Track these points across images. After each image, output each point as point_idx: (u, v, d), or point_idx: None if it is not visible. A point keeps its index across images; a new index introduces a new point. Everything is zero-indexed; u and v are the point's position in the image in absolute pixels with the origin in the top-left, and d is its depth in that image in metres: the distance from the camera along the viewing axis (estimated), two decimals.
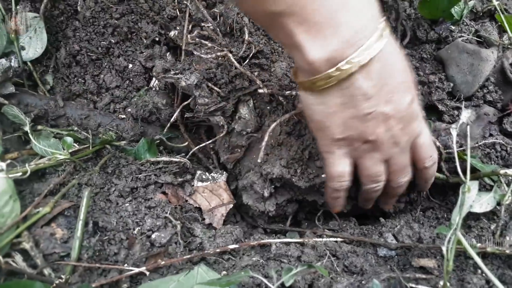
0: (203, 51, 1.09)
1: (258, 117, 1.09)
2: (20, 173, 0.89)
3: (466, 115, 0.84)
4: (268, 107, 1.07)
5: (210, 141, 1.17)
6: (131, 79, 1.27)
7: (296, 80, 0.84)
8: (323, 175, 0.98)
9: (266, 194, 1.05)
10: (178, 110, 1.13)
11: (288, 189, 1.08)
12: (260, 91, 1.01)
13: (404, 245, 0.95)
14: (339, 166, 0.87)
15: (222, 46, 1.09)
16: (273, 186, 1.06)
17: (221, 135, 1.11)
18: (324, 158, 0.89)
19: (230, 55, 1.02)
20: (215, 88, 1.06)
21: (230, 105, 1.07)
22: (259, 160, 0.97)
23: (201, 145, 1.18)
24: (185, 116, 1.15)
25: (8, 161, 0.87)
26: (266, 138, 0.96)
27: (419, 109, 0.86)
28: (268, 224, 1.16)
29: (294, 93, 1.00)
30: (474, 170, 0.98)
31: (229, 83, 1.07)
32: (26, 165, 0.92)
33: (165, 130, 1.18)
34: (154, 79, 1.29)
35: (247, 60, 1.07)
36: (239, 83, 1.05)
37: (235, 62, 1.02)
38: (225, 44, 1.11)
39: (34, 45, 1.17)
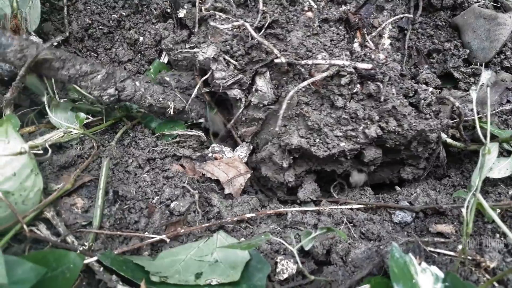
0: (218, 22, 1.07)
1: (275, 89, 1.08)
2: (41, 151, 0.89)
3: (486, 76, 0.82)
4: (285, 78, 1.06)
5: (236, 116, 1.14)
6: (142, 52, 1.27)
7: None
8: (341, 144, 0.98)
9: (285, 165, 1.04)
10: (200, 82, 1.10)
11: (307, 160, 1.08)
12: (277, 60, 1.00)
13: (427, 207, 0.95)
14: None
15: (237, 16, 1.08)
16: (291, 157, 1.05)
17: (240, 110, 1.10)
18: None
19: (247, 24, 1.00)
20: (232, 61, 1.05)
21: (247, 78, 1.06)
22: (277, 129, 0.97)
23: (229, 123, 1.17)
24: (203, 91, 1.14)
25: (29, 142, 0.86)
26: (284, 106, 0.95)
27: None
28: (287, 195, 1.16)
29: (310, 62, 0.99)
30: (492, 136, 0.97)
31: (246, 55, 1.05)
32: (44, 139, 0.92)
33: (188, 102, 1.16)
34: (164, 53, 1.28)
35: (263, 31, 1.05)
36: (256, 55, 1.04)
37: (252, 31, 1.00)
38: (239, 15, 1.09)
39: (32, 15, 1.15)
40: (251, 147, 1.17)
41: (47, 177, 0.92)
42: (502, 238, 0.85)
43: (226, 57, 1.05)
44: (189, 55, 1.14)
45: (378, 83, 0.98)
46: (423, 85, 1.05)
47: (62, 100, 1.04)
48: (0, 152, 0.79)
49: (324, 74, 0.97)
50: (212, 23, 1.05)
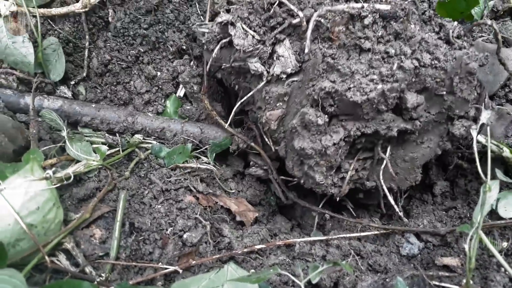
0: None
1: (296, 55, 1.04)
2: (65, 181, 0.94)
3: (486, 115, 0.85)
4: (305, 43, 1.02)
5: (250, 94, 1.11)
6: (160, 86, 1.33)
7: None
8: (378, 86, 0.91)
9: (320, 121, 0.96)
10: (216, 49, 1.08)
11: (343, 122, 0.99)
12: (295, 21, 0.99)
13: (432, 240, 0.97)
14: None
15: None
16: (326, 116, 0.97)
17: (262, 84, 1.06)
18: None
19: None
20: (250, 31, 1.03)
21: (267, 47, 1.03)
22: (306, 50, 0.93)
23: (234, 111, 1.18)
24: (222, 67, 1.12)
25: (53, 169, 0.92)
26: (311, 26, 0.92)
27: None
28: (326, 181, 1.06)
29: (328, 8, 0.98)
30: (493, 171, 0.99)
31: (263, 26, 1.06)
32: (67, 171, 0.98)
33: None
34: (181, 86, 1.34)
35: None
36: (273, 21, 1.04)
37: None
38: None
39: (58, 68, 1.25)
40: None
41: (67, 209, 0.97)
42: (507, 272, 0.86)
43: (244, 26, 1.03)
44: (206, 29, 1.12)
45: (402, 20, 0.95)
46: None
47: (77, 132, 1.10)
48: (26, 188, 0.84)
49: (346, 10, 0.93)
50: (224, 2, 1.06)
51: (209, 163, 1.22)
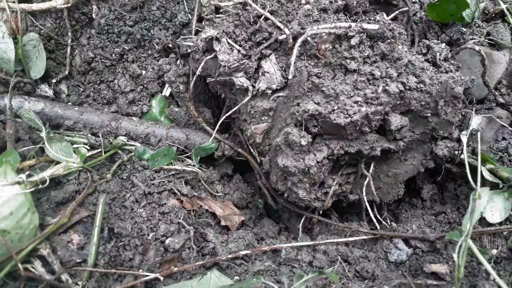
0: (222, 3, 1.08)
1: (282, 71, 1.03)
2: (40, 185, 0.91)
3: (476, 121, 0.83)
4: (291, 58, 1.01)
5: (232, 110, 1.11)
6: (145, 85, 1.29)
7: None
8: (362, 109, 0.92)
9: (303, 142, 0.95)
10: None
11: (327, 142, 0.99)
12: (282, 37, 0.98)
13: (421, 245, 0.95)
14: None
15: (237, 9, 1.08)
16: (310, 136, 0.97)
17: (247, 99, 1.05)
18: None
19: (250, 1, 0.99)
20: (236, 46, 1.02)
21: (253, 62, 1.02)
22: (290, 76, 0.92)
23: (213, 135, 1.16)
24: (207, 81, 1.11)
25: (27, 173, 0.88)
26: (296, 47, 0.91)
27: None
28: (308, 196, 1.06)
29: (315, 28, 0.97)
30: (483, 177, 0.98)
31: (249, 40, 1.04)
32: (44, 174, 0.94)
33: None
34: (166, 85, 1.31)
35: (262, 17, 1.04)
36: (259, 36, 1.02)
37: (257, 7, 0.98)
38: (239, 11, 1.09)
39: (39, 65, 1.21)
40: None
41: (45, 213, 0.93)
42: (496, 281, 0.84)
43: (230, 40, 1.02)
44: (191, 43, 1.10)
45: (389, 41, 0.94)
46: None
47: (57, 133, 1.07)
48: None
49: (332, 31, 0.92)
50: (209, 16, 1.05)
51: (194, 165, 1.18)
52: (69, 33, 1.25)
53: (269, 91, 1.02)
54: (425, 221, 1.10)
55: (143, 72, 1.29)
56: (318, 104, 0.94)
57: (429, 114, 0.97)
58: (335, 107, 0.93)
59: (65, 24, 1.25)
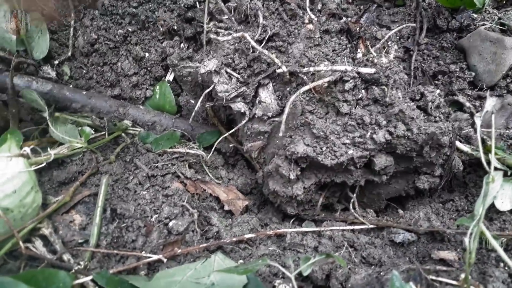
0: (219, 36, 1.08)
1: (278, 100, 1.06)
2: (44, 162, 0.89)
3: (491, 103, 0.81)
4: (288, 88, 1.04)
5: (233, 129, 1.15)
6: (149, 68, 1.27)
7: None
8: (349, 152, 0.96)
9: (292, 176, 1.01)
10: (202, 97, 1.10)
11: (315, 171, 1.04)
12: (279, 70, 0.99)
13: (429, 230, 0.93)
14: None
15: (238, 31, 1.08)
16: (299, 169, 1.02)
17: (244, 121, 1.08)
18: None
19: (246, 35, 1.00)
20: (234, 73, 1.04)
21: (250, 90, 1.05)
22: (280, 134, 0.94)
23: (222, 136, 1.17)
24: (206, 106, 1.14)
25: (31, 146, 0.86)
26: (286, 112, 0.92)
27: None
28: (296, 211, 1.13)
29: (312, 69, 0.98)
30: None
31: (248, 67, 1.05)
32: (50, 150, 0.92)
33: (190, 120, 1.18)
34: (170, 69, 1.29)
35: (264, 43, 1.05)
36: (257, 67, 1.04)
37: (252, 41, 1.00)
38: (240, 29, 1.10)
39: (41, 45, 1.18)
40: None
41: (47, 193, 0.92)
42: (506, 268, 0.83)
43: (228, 70, 1.05)
44: (191, 70, 1.14)
45: (383, 87, 0.96)
46: (430, 87, 1.03)
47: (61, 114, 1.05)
48: (2, 169, 0.79)
49: (327, 79, 0.94)
50: (212, 36, 1.06)
51: (198, 149, 1.16)
52: (72, 14, 1.23)
53: (265, 117, 1.05)
54: (432, 209, 1.08)
55: (147, 54, 1.27)
56: (308, 145, 0.98)
57: (414, 155, 1.01)
58: (324, 148, 0.98)
59: (68, 4, 1.22)
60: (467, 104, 1.13)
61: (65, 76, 1.26)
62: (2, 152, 0.83)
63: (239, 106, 1.06)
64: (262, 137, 1.09)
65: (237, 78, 1.05)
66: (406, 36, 1.28)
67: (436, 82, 1.26)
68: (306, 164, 1.02)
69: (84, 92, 1.20)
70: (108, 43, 1.25)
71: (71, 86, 1.23)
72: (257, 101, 1.06)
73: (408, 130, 0.96)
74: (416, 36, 1.29)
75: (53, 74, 1.23)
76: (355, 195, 1.11)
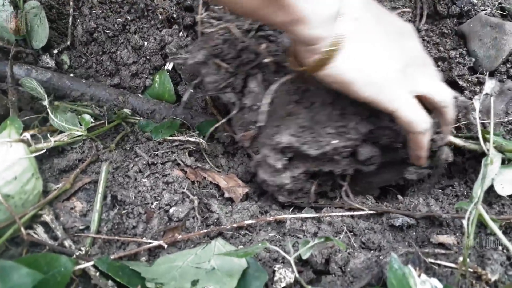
0: (207, 29, 1.08)
1: (267, 89, 1.04)
2: (44, 149, 0.89)
3: (490, 85, 0.81)
4: (276, 78, 1.04)
5: (224, 119, 1.16)
6: (148, 57, 1.27)
7: (307, 68, 0.82)
8: (333, 141, 0.96)
9: (278, 166, 1.02)
10: (190, 88, 1.12)
11: (303, 161, 1.05)
12: (265, 60, 0.99)
13: (426, 215, 0.94)
14: (415, 107, 0.84)
15: (227, 21, 1.08)
16: (286, 158, 1.03)
17: (234, 112, 1.09)
18: (395, 110, 0.84)
19: (231, 26, 1.00)
20: (223, 64, 1.04)
21: (239, 80, 1.05)
22: (259, 123, 0.96)
23: (216, 125, 1.17)
24: (196, 96, 1.14)
25: (31, 132, 0.87)
26: (265, 101, 0.94)
27: None
28: (289, 199, 1.13)
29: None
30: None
31: (237, 58, 1.05)
32: (50, 138, 0.93)
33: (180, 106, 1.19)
34: (169, 58, 1.29)
35: (253, 33, 1.05)
36: (246, 57, 1.03)
37: (237, 31, 1.00)
38: (230, 19, 1.09)
39: (41, 34, 1.18)
40: None
41: (47, 180, 0.92)
42: (504, 251, 0.83)
43: (217, 60, 1.04)
44: (181, 61, 1.14)
45: None
46: None
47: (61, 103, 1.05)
48: (2, 155, 0.79)
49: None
50: (201, 28, 1.06)
51: (198, 137, 1.17)
52: (71, 2, 1.23)
53: (255, 107, 1.05)
54: (431, 194, 1.08)
55: (145, 43, 1.27)
56: (292, 135, 0.98)
57: (399, 146, 1.01)
58: (308, 138, 0.98)
59: None
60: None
61: (65, 65, 1.26)
62: (1, 139, 0.83)
63: (229, 96, 1.06)
64: (253, 126, 1.09)
65: (226, 68, 1.04)
66: (408, 22, 1.27)
67: (436, 68, 1.26)
68: (292, 154, 1.03)
69: (84, 81, 1.20)
70: (107, 31, 1.25)
71: (71, 75, 1.23)
72: (246, 91, 1.07)
73: (391, 121, 0.95)
74: (416, 23, 1.29)
75: (52, 63, 1.23)
76: (346, 183, 1.11)
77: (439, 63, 1.25)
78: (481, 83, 1.17)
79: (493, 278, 0.75)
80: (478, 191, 0.69)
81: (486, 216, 0.68)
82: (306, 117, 0.98)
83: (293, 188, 1.08)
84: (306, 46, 0.78)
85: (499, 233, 0.67)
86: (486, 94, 0.82)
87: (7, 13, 1.12)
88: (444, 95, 0.88)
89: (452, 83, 1.21)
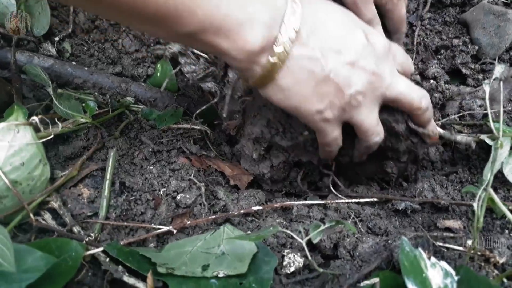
0: None
1: None
2: (52, 134, 0.88)
3: (499, 69, 0.81)
4: None
5: (204, 107, 1.14)
6: (149, 45, 1.26)
7: (249, 85, 0.84)
8: (305, 133, 0.95)
9: (254, 156, 1.03)
10: (168, 79, 1.14)
11: (282, 151, 1.04)
12: None
13: (432, 201, 0.94)
14: (333, 133, 0.86)
15: None
16: (262, 148, 1.03)
17: (214, 100, 1.09)
18: (317, 131, 0.86)
19: None
20: (202, 54, 1.04)
21: (219, 70, 1.05)
22: (224, 115, 0.97)
23: (198, 111, 1.15)
24: (178, 85, 1.14)
25: (40, 116, 0.86)
26: (229, 91, 0.95)
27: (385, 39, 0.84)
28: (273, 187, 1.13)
29: None
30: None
31: None
32: (58, 122, 0.92)
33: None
34: (150, 49, 1.28)
35: None
36: None
37: None
38: None
39: (42, 21, 1.17)
40: None
41: (54, 167, 0.92)
42: (511, 234, 0.84)
43: (195, 50, 1.04)
44: (161, 51, 1.13)
45: None
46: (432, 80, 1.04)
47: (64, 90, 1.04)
48: (10, 142, 0.78)
49: None
50: None
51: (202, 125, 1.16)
52: None
53: (236, 96, 1.05)
54: (436, 181, 1.09)
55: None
56: (265, 126, 0.98)
57: None
58: (280, 129, 0.97)
59: None
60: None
61: (66, 53, 1.25)
62: (8, 124, 0.82)
63: (209, 85, 1.06)
64: (237, 115, 1.09)
65: (206, 58, 1.04)
66: (412, 11, 1.27)
67: (439, 56, 1.26)
68: (267, 144, 1.02)
69: (86, 68, 1.19)
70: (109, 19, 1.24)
71: (73, 63, 1.22)
72: (226, 81, 1.06)
73: None
74: (420, 11, 1.29)
75: (53, 51, 1.22)
76: (332, 172, 1.09)
77: (442, 51, 1.26)
78: (484, 71, 1.18)
79: (501, 260, 0.76)
80: (488, 174, 0.69)
81: (497, 199, 0.69)
82: (278, 108, 0.95)
83: (275, 177, 1.08)
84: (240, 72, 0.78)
85: (509, 215, 0.67)
86: (496, 78, 0.82)
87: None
88: None
89: (455, 71, 1.21)
